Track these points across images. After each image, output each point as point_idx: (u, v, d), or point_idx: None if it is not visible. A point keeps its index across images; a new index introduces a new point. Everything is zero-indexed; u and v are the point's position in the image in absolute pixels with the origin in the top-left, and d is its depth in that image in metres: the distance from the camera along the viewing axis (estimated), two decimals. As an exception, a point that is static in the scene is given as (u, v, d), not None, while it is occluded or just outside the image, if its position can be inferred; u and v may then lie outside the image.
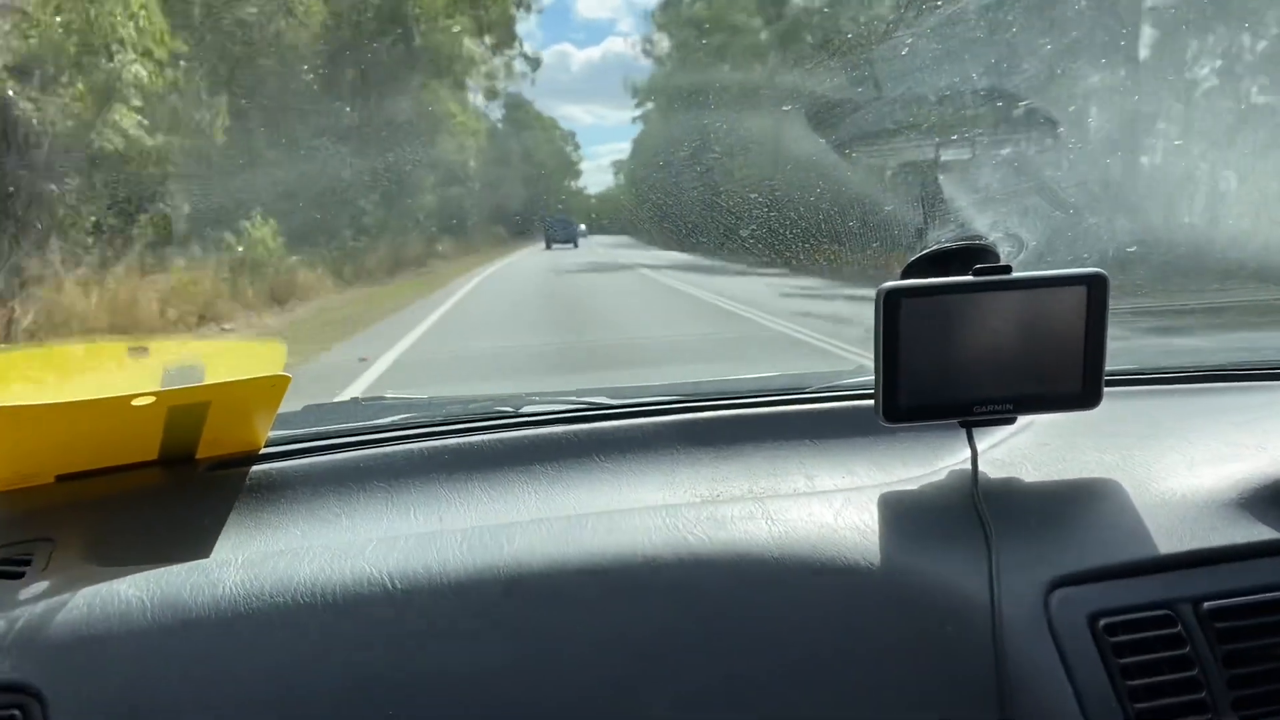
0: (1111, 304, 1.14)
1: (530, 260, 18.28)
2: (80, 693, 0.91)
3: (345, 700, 0.94)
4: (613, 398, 1.47)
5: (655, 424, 1.39)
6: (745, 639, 1.01)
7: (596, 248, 18.35)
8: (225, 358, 1.28)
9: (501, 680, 0.96)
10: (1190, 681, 1.02)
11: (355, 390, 6.22)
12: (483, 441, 1.34)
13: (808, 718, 0.99)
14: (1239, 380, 1.54)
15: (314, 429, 1.37)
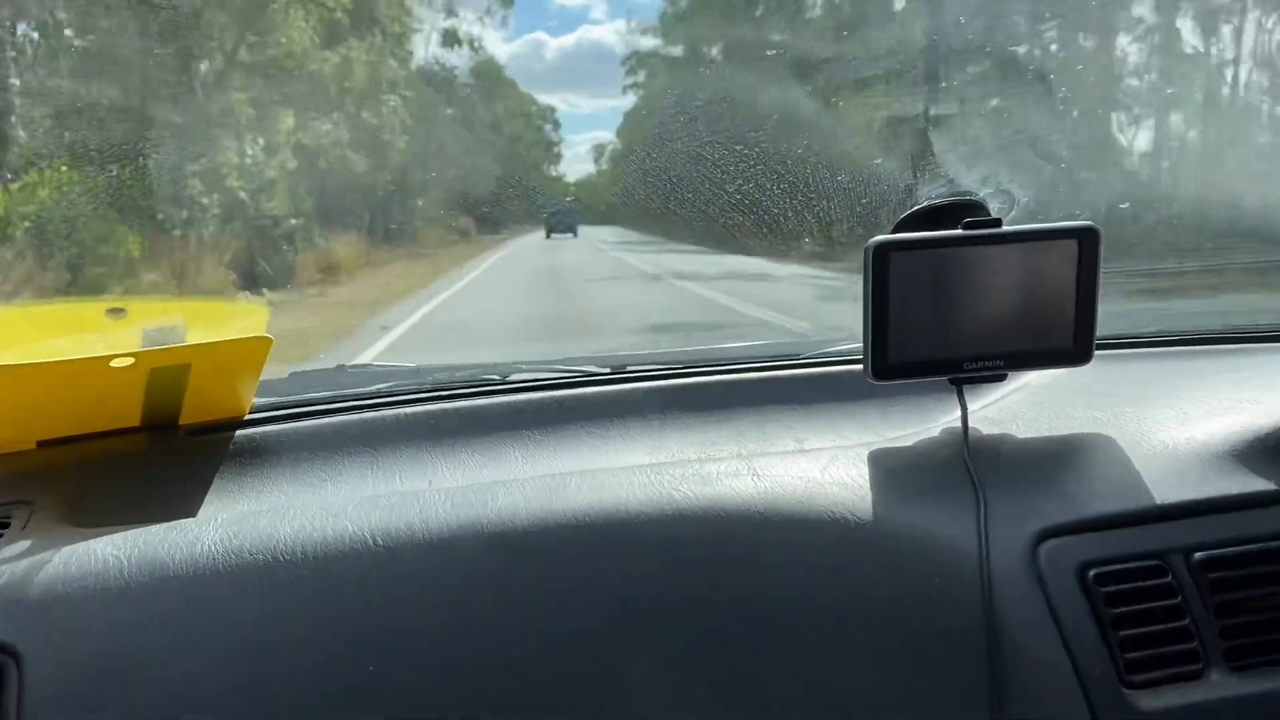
0: (1103, 266, 1.13)
1: (514, 271, 13.86)
2: (58, 651, 0.90)
3: (326, 656, 0.93)
4: (601, 365, 1.47)
5: (644, 389, 1.39)
6: (731, 594, 1.00)
7: (600, 245, 15.77)
8: (206, 318, 1.27)
9: (484, 636, 0.96)
10: (1181, 631, 1.03)
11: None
12: (469, 407, 1.33)
13: (794, 670, 0.99)
14: (1233, 343, 1.53)
15: (299, 396, 1.36)
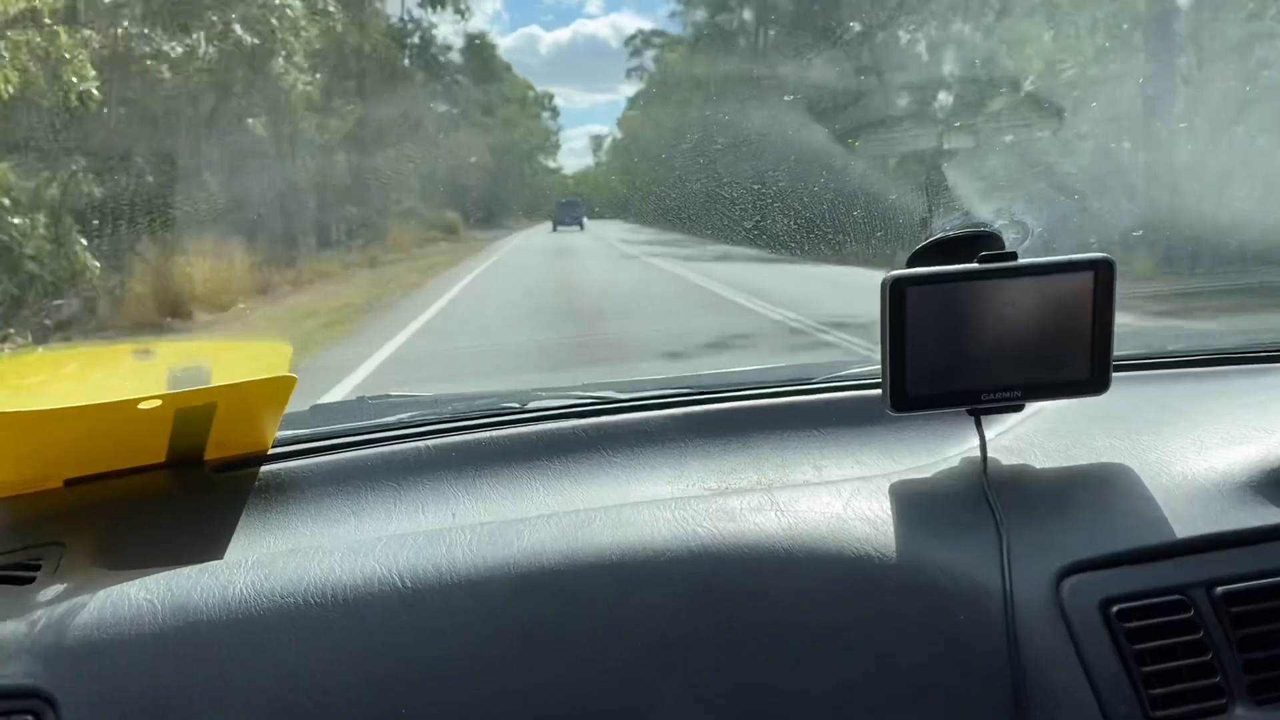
0: (1119, 289, 1.14)
1: (512, 289, 10.21)
2: (92, 696, 0.90)
3: (358, 700, 0.93)
4: (619, 391, 1.47)
5: (662, 417, 1.39)
6: (756, 630, 1.00)
7: (619, 244, 13.74)
8: (231, 358, 1.28)
9: (513, 676, 0.96)
10: (1205, 666, 1.02)
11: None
12: (490, 438, 1.34)
13: (821, 707, 0.99)
14: (1247, 363, 1.53)
15: (320, 429, 1.37)
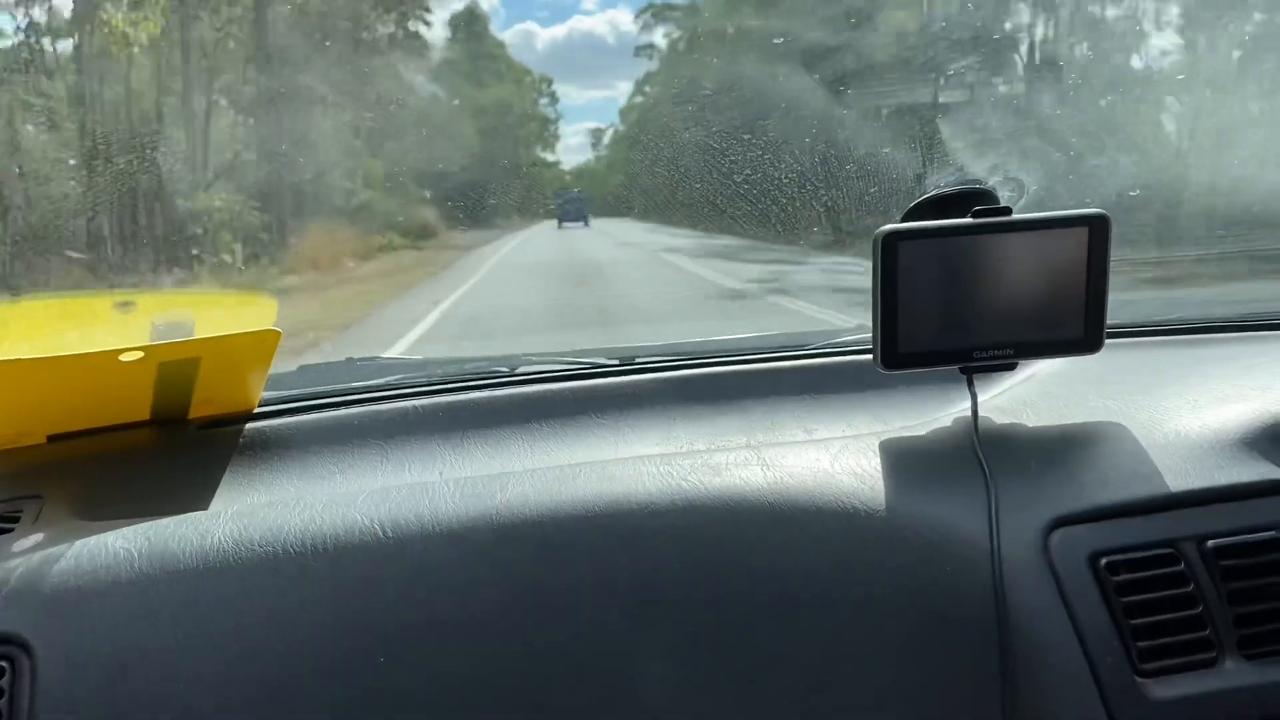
0: (1113, 255, 1.13)
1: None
2: (69, 643, 0.90)
3: (336, 648, 0.93)
4: (610, 357, 1.46)
5: (653, 380, 1.38)
6: (742, 584, 1.00)
7: (643, 245, 11.49)
8: (215, 311, 1.27)
9: (494, 627, 0.96)
10: (1194, 620, 1.02)
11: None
12: (478, 399, 1.33)
13: (806, 660, 0.99)
14: (1243, 331, 1.52)
15: (308, 389, 1.36)
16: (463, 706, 0.94)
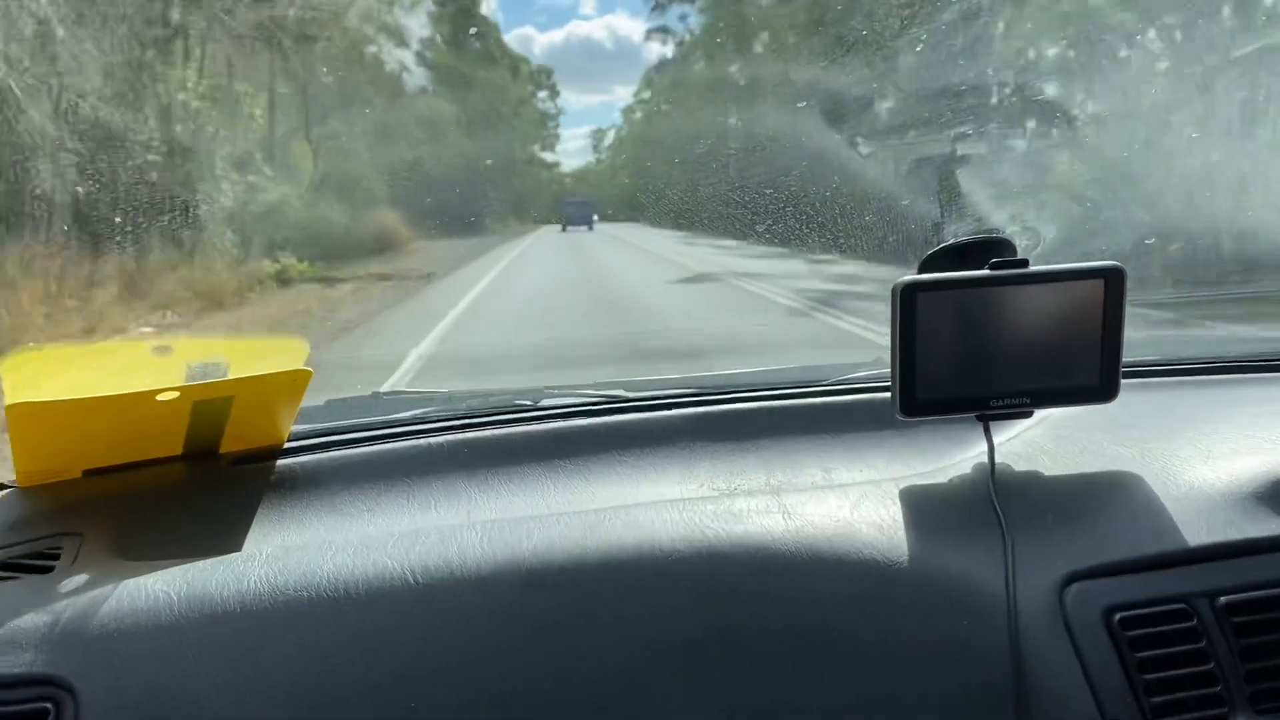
0: (1129, 295, 1.14)
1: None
2: (110, 685, 0.92)
3: (369, 693, 0.95)
4: (630, 390, 1.48)
5: (673, 417, 1.40)
6: (763, 633, 1.01)
7: (676, 256, 9.65)
8: (248, 354, 1.30)
9: (520, 673, 0.97)
10: (1207, 675, 1.02)
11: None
12: (502, 435, 1.35)
13: (825, 711, 1.00)
14: (1256, 371, 1.53)
15: (335, 423, 1.38)
16: None
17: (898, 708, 1.00)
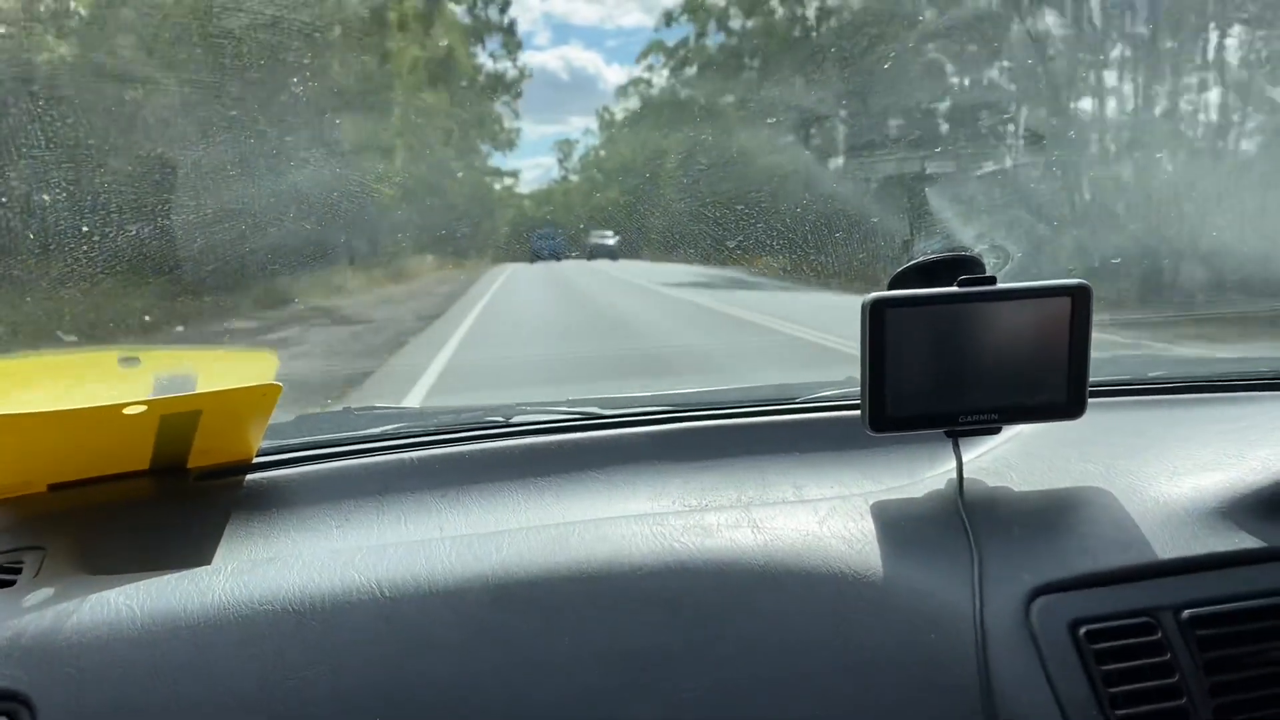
0: (1095, 315, 1.16)
1: None
2: (70, 699, 0.91)
3: (332, 707, 0.94)
4: (603, 408, 1.48)
5: (645, 434, 1.40)
6: (731, 647, 1.01)
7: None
8: (217, 367, 1.29)
9: (488, 689, 0.97)
10: (1171, 689, 1.03)
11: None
12: (474, 451, 1.34)
13: None
14: (1222, 391, 1.55)
15: (306, 439, 1.37)
16: None
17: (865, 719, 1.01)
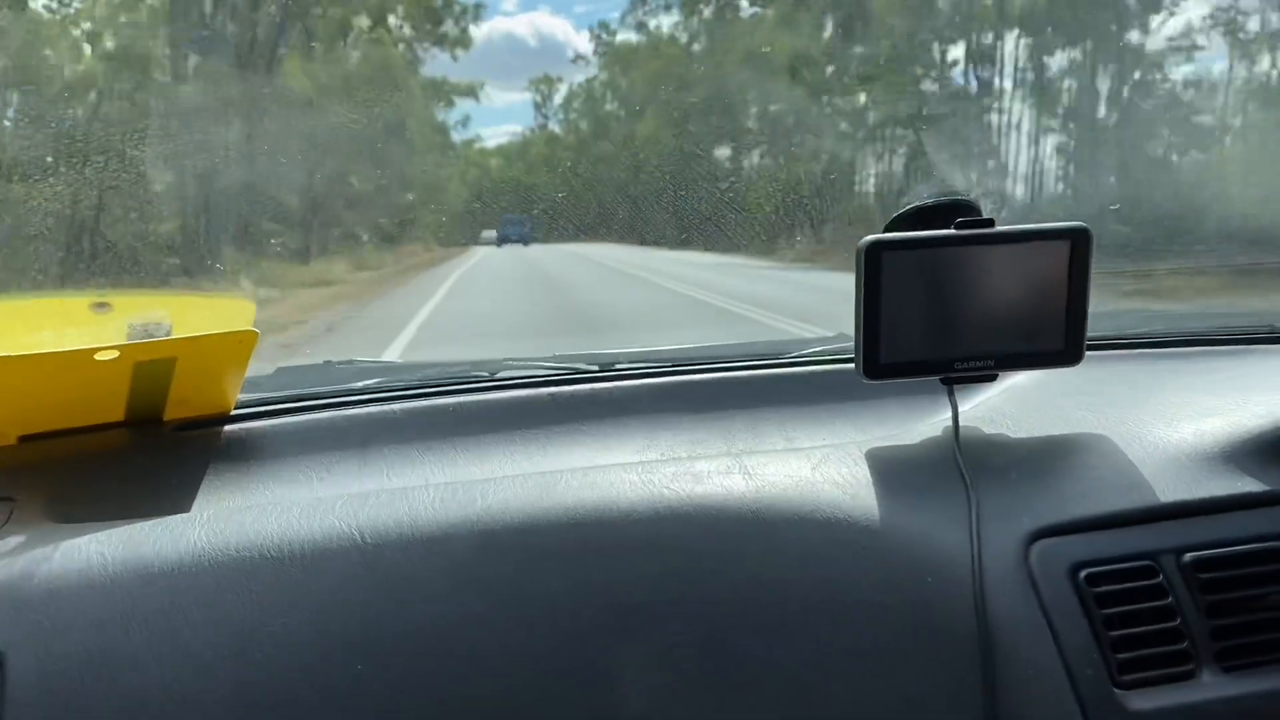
0: (1093, 266, 1.13)
1: None
2: (41, 649, 0.89)
3: (313, 654, 0.92)
4: (590, 363, 1.46)
5: (634, 387, 1.38)
6: (722, 593, 1.00)
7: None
8: (192, 313, 1.25)
9: (473, 635, 0.95)
10: (1173, 632, 1.02)
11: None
12: (459, 404, 1.32)
13: (787, 670, 0.98)
14: (1219, 344, 1.54)
15: (285, 392, 1.35)
16: (441, 715, 0.93)
17: (862, 667, 0.99)
